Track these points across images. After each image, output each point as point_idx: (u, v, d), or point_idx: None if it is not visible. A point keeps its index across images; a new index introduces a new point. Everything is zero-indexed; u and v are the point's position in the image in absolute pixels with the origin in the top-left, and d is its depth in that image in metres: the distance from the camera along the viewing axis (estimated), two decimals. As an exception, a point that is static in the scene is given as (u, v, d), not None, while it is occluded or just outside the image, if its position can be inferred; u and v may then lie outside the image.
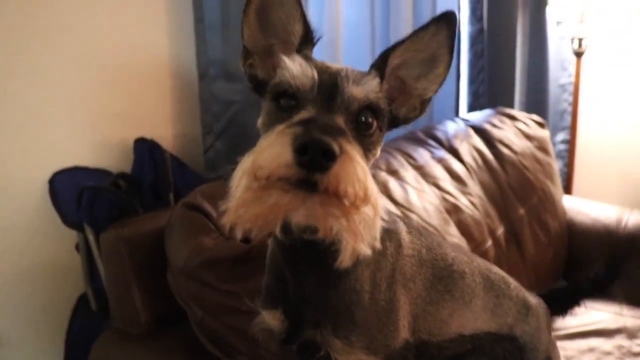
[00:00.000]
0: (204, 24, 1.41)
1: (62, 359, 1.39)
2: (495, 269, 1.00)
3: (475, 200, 1.61)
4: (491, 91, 2.25)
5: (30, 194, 1.33)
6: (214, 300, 1.02)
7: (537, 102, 2.40)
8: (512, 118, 1.98)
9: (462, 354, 0.89)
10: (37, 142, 1.33)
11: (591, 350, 1.47)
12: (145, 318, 1.18)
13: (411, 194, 1.44)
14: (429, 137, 1.72)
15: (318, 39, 0.77)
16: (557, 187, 1.94)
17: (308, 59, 0.71)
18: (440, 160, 1.63)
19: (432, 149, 1.67)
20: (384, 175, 1.44)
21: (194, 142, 1.53)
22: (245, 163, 0.59)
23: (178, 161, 1.46)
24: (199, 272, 0.99)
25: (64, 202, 1.30)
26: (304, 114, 0.65)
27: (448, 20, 0.72)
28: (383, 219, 0.66)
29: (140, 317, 1.17)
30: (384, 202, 0.64)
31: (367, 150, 0.69)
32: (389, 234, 0.81)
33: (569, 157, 2.51)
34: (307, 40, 0.76)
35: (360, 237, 0.62)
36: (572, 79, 2.43)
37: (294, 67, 0.68)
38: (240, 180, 0.60)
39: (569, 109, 2.50)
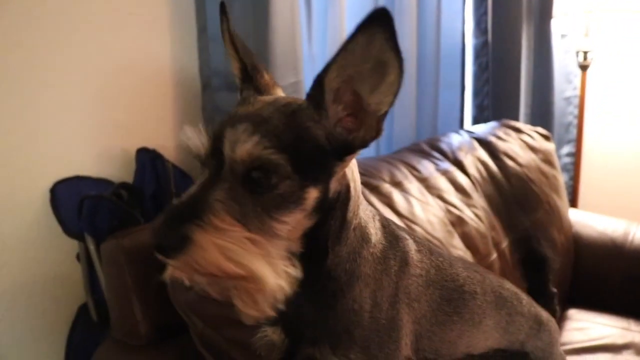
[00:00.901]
0: (207, 34, 1.41)
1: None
2: (508, 284, 0.98)
3: (480, 213, 1.59)
4: (496, 104, 2.25)
5: (32, 203, 1.32)
6: (214, 311, 1.00)
7: (542, 115, 2.39)
8: (517, 130, 1.97)
9: (470, 372, 0.87)
10: (38, 151, 1.32)
11: (599, 365, 1.45)
12: (145, 329, 1.16)
13: (415, 206, 1.43)
14: (433, 149, 1.71)
15: (254, 75, 0.77)
16: (562, 200, 1.93)
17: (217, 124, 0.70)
18: (445, 173, 1.62)
19: (437, 161, 1.66)
20: (387, 187, 1.43)
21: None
22: None
23: (180, 171, 1.45)
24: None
25: (65, 211, 1.29)
26: (199, 179, 0.66)
27: (379, 21, 0.60)
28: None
29: (140, 327, 1.16)
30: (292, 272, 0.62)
31: (273, 207, 0.64)
32: (394, 251, 0.80)
33: (574, 170, 2.50)
34: (245, 79, 0.76)
35: (249, 305, 0.63)
36: (578, 92, 2.43)
37: (189, 136, 0.69)
38: None
39: (575, 121, 2.50)
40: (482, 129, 1.95)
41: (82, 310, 1.39)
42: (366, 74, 0.64)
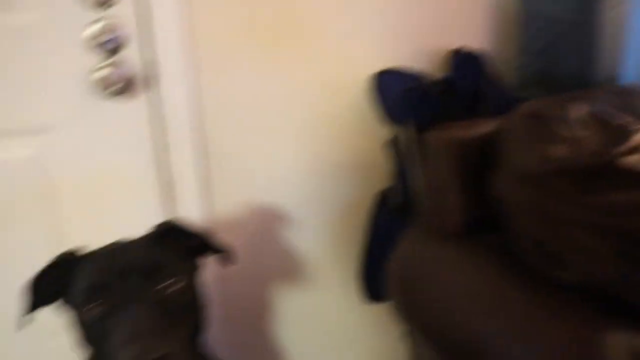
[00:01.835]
0: None
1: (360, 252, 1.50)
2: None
3: None
4: None
5: (349, 91, 1.42)
6: (561, 210, 0.98)
7: None
8: None
9: None
10: (360, 44, 1.40)
11: None
12: (458, 220, 1.19)
13: None
14: None
15: None
16: None
17: None
18: None
19: None
20: None
21: (507, 58, 1.47)
22: None
23: (491, 75, 1.42)
24: (550, 180, 0.96)
25: (387, 99, 1.36)
26: None
27: None
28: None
29: (453, 218, 1.19)
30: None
31: None
32: None
33: None
34: None
35: None
36: None
37: None
38: None
39: None
40: None
41: (383, 196, 1.48)
42: None
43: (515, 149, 1.06)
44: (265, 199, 1.43)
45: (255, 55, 1.34)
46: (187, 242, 1.02)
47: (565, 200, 0.95)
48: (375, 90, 1.39)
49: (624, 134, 0.95)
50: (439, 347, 1.18)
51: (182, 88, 1.28)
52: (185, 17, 1.26)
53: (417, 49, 1.45)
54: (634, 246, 0.86)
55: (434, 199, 1.24)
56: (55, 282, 0.93)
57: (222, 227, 1.36)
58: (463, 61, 1.39)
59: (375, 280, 1.44)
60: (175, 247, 0.98)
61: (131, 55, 1.25)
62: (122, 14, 1.21)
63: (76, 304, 0.87)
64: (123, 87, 1.24)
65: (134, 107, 1.28)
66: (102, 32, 1.20)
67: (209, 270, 1.11)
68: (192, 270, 0.99)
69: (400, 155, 1.39)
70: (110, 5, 1.19)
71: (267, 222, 1.44)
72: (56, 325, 1.36)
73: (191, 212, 1.33)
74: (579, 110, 1.03)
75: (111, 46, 1.22)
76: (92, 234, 1.29)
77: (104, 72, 1.22)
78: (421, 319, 1.20)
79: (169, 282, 0.89)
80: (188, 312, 0.92)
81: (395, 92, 1.34)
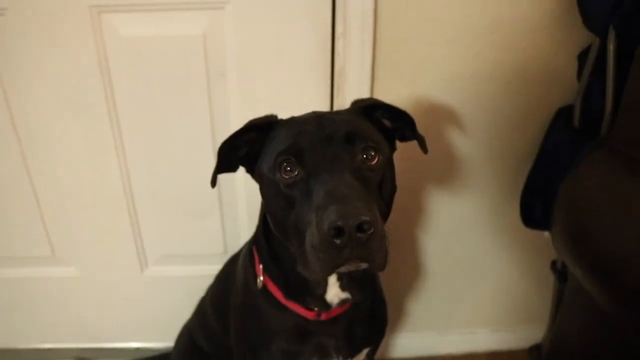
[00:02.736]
0: None
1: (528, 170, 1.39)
2: None
3: None
4: None
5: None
6: None
7: None
8: None
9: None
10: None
11: None
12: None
13: None
14: None
15: None
16: None
17: None
18: None
19: None
20: None
21: None
22: None
23: None
24: None
25: (592, 2, 1.17)
26: None
27: None
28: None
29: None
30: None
31: None
32: None
33: None
34: None
35: None
36: None
37: None
38: None
39: None
40: None
41: (563, 114, 1.34)
42: None
43: None
44: (433, 100, 1.33)
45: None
46: (386, 122, 0.96)
47: None
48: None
49: None
50: (605, 284, 1.07)
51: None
52: None
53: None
54: None
55: (635, 123, 1.08)
56: (249, 145, 0.91)
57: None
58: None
59: (538, 203, 1.34)
60: (373, 125, 0.92)
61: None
62: None
63: (274, 166, 0.82)
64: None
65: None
66: None
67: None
68: (387, 150, 0.90)
69: (592, 68, 1.22)
70: None
71: (431, 124, 1.36)
72: (207, 205, 1.44)
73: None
74: None
75: None
76: (259, 116, 1.30)
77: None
78: (596, 253, 1.09)
79: (371, 153, 0.82)
80: (381, 191, 0.84)
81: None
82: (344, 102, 1.27)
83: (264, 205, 0.89)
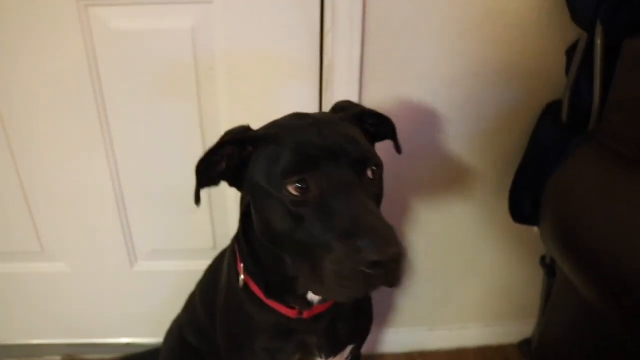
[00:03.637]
0: None
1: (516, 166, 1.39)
2: None
3: None
4: None
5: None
6: None
7: None
8: None
9: None
10: None
11: None
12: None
13: None
14: None
15: None
16: None
17: None
18: None
19: None
20: None
21: None
22: None
23: None
24: None
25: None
26: None
27: None
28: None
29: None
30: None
31: None
32: None
33: None
34: None
35: None
36: None
37: None
38: None
39: None
40: None
41: (551, 109, 1.34)
42: None
43: None
44: (421, 96, 1.33)
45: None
46: (370, 127, 0.94)
47: None
48: (565, -15, 1.20)
49: None
50: (591, 279, 1.08)
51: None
52: None
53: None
54: None
55: (624, 117, 1.08)
56: (228, 159, 0.86)
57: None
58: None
59: (527, 199, 1.34)
60: (363, 131, 0.91)
61: None
62: None
63: (279, 182, 0.77)
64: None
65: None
66: None
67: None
68: None
69: (580, 63, 1.22)
70: None
71: (419, 120, 1.36)
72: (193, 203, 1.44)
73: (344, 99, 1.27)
74: None
75: None
76: (245, 111, 1.30)
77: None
78: (583, 247, 1.09)
79: (373, 168, 0.81)
80: (378, 203, 0.84)
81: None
82: (332, 97, 1.27)
83: (258, 217, 0.85)
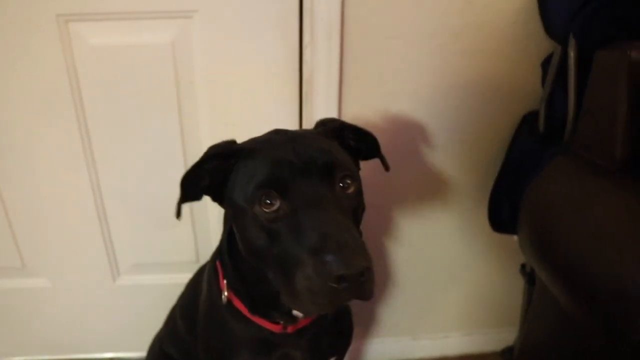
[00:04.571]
0: None
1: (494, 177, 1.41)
2: None
3: None
4: None
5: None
6: None
7: None
8: None
9: None
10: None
11: None
12: (622, 152, 1.06)
13: None
14: None
15: None
16: None
17: None
18: None
19: None
20: None
21: None
22: None
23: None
24: None
25: (553, 10, 1.20)
26: None
27: None
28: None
29: (615, 149, 1.06)
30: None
31: None
32: None
33: None
34: None
35: None
36: None
37: None
38: None
39: None
40: None
41: (527, 121, 1.36)
42: None
43: None
44: (400, 108, 1.35)
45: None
46: (352, 142, 0.95)
47: None
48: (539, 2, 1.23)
49: None
50: (566, 287, 1.09)
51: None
52: None
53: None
54: None
55: (593, 125, 1.11)
56: (212, 174, 0.86)
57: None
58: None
59: (505, 208, 1.35)
60: (344, 147, 0.91)
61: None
62: None
63: (252, 198, 0.78)
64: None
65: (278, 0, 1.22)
66: None
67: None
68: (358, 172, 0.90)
69: (555, 75, 1.24)
70: None
71: (398, 131, 1.37)
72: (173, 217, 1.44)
73: (323, 112, 1.28)
74: None
75: None
76: (226, 125, 1.30)
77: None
78: (557, 255, 1.11)
79: (347, 182, 0.81)
80: (356, 217, 0.84)
81: (563, 2, 1.18)
82: (312, 111, 1.28)
83: (238, 234, 0.86)
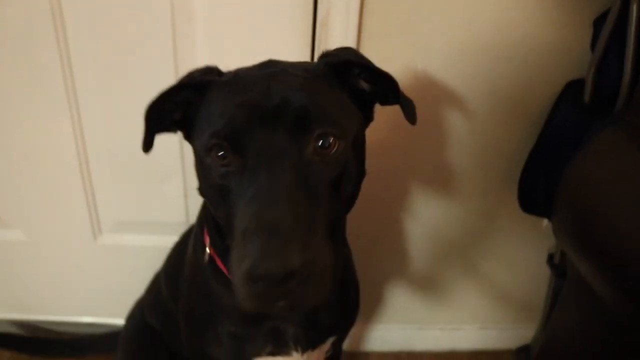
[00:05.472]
0: None
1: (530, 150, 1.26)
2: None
3: None
4: None
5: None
6: None
7: None
8: None
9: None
10: None
11: None
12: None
13: None
14: None
15: None
16: None
17: None
18: None
19: None
20: None
21: None
22: None
23: None
24: None
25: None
26: None
27: None
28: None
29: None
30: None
31: None
32: None
33: None
34: None
35: None
36: None
37: None
38: None
39: None
40: None
41: (572, 88, 1.21)
42: None
43: None
44: (425, 65, 1.19)
45: None
46: (363, 84, 0.77)
47: None
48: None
49: None
50: (613, 277, 0.94)
51: None
52: None
53: None
54: None
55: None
56: (184, 107, 0.75)
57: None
58: None
59: (540, 187, 1.21)
60: (343, 90, 0.73)
61: None
62: None
63: (206, 146, 0.66)
64: None
65: None
66: None
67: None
68: (357, 126, 0.72)
69: (609, 35, 1.08)
70: None
71: (422, 91, 1.22)
72: (168, 168, 1.30)
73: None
74: None
75: None
76: (230, 59, 1.15)
77: None
78: (604, 242, 0.96)
79: (329, 141, 0.65)
80: (340, 188, 0.67)
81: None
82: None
83: (198, 184, 0.76)
